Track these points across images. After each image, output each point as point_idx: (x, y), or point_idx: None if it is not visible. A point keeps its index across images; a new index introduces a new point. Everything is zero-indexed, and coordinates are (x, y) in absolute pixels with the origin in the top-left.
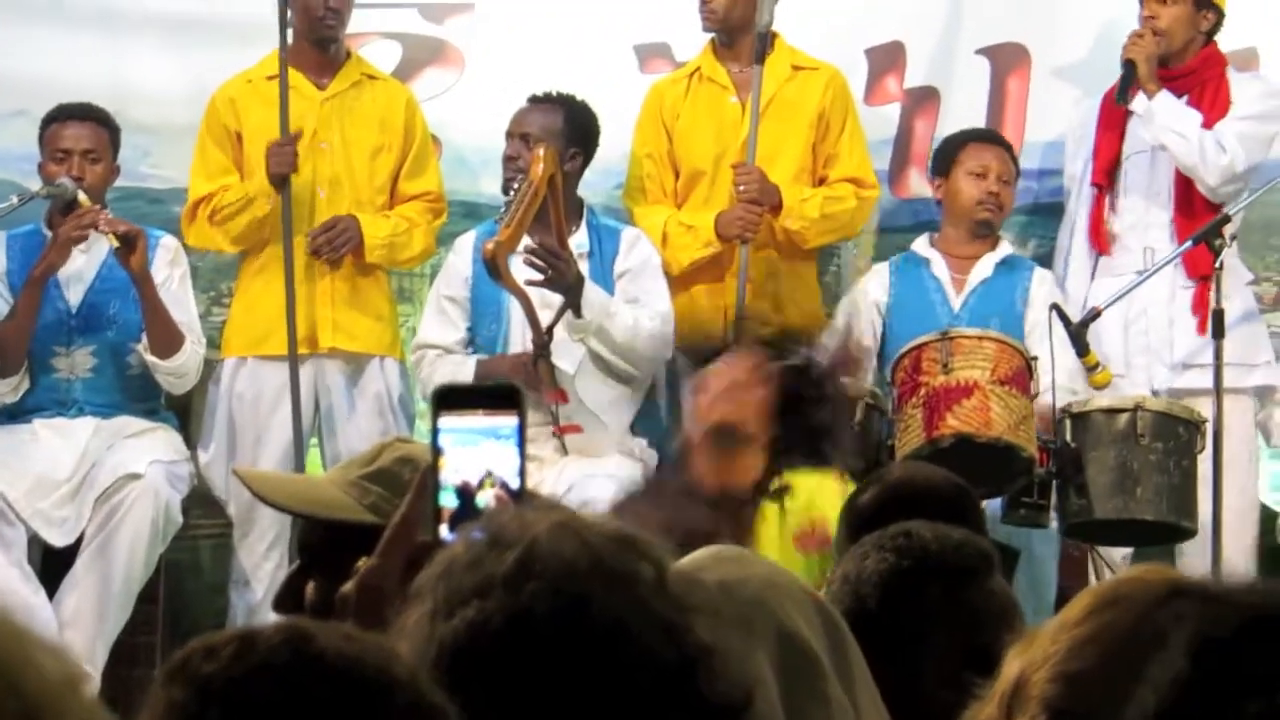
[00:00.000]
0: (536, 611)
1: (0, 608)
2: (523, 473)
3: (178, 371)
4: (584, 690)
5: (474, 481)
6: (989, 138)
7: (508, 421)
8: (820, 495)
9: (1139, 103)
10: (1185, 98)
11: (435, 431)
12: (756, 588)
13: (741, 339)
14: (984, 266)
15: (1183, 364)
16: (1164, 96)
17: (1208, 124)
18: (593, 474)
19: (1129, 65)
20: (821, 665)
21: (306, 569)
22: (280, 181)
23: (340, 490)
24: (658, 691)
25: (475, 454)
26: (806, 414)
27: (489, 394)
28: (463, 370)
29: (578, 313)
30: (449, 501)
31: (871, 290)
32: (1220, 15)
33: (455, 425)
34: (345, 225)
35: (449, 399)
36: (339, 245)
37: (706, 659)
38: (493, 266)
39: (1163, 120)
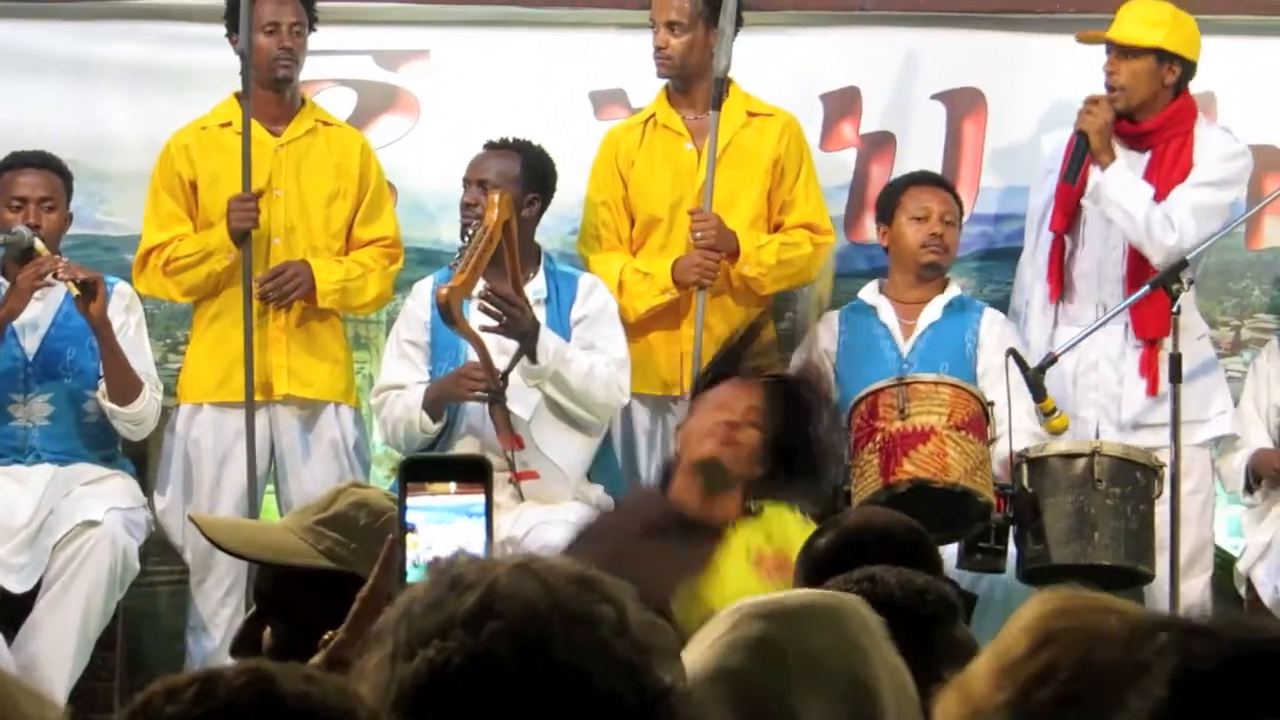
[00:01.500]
0: (497, 652)
1: None
2: (489, 549)
3: (136, 418)
4: None
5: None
6: (929, 180)
7: (477, 499)
8: (778, 524)
9: (1094, 174)
10: (1148, 154)
11: (403, 508)
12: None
13: (744, 371)
14: (932, 310)
15: (1132, 424)
16: (1114, 171)
17: (1168, 185)
18: (549, 520)
19: (1081, 136)
20: None
21: (262, 614)
22: (241, 237)
23: (296, 536)
24: None
25: (449, 532)
26: (802, 451)
27: (458, 466)
28: (413, 396)
29: (533, 358)
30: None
31: (822, 339)
32: (1189, 66)
33: (428, 503)
34: (295, 271)
35: (417, 471)
36: (288, 291)
37: (666, 699)
38: (446, 312)
39: (1110, 195)
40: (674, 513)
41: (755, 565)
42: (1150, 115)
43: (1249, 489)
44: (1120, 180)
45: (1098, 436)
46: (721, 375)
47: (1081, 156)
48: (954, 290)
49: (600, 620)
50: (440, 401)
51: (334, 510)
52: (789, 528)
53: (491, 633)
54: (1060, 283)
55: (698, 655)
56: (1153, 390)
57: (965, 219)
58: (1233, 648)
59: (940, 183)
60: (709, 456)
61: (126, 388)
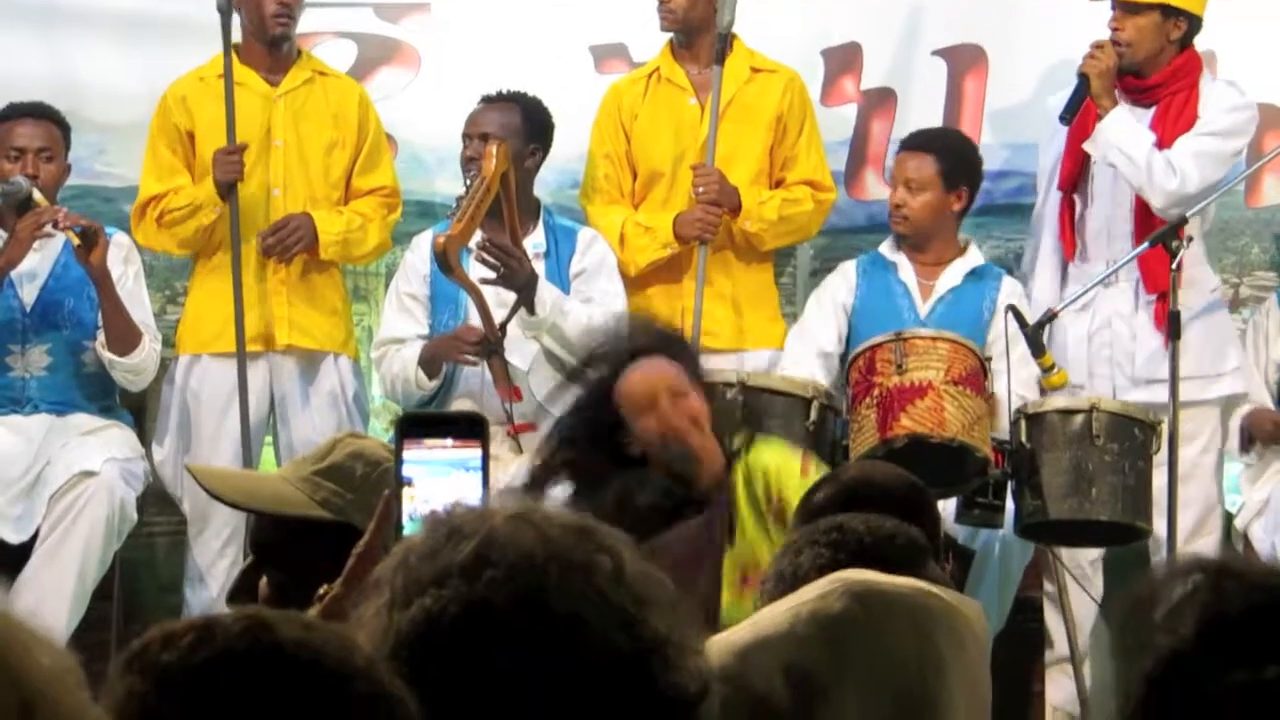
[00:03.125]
0: (493, 601)
1: None
2: (485, 502)
3: (136, 369)
4: (540, 679)
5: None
6: (907, 144)
7: (474, 453)
8: (784, 474)
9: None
10: (1152, 109)
11: (400, 461)
12: None
13: (643, 346)
14: (953, 274)
15: (1145, 379)
16: (1115, 114)
17: (1172, 137)
18: None
19: (1082, 79)
20: None
21: (260, 564)
22: (227, 190)
23: (293, 486)
24: (613, 682)
25: (445, 485)
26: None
27: (455, 423)
28: (411, 353)
29: (531, 310)
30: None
31: (838, 292)
32: (1195, 21)
33: (425, 457)
34: (297, 224)
35: (414, 427)
36: (291, 244)
37: (662, 650)
38: (444, 261)
39: (1110, 139)
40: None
41: (741, 585)
42: (1155, 70)
43: (1244, 448)
44: (1121, 124)
45: (1115, 395)
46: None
47: (1080, 99)
48: (975, 256)
49: (597, 570)
50: (436, 360)
51: (330, 460)
52: (790, 478)
53: (488, 581)
54: (1074, 242)
55: (781, 611)
56: (1166, 344)
57: None
58: (1263, 592)
59: (919, 144)
60: (696, 418)
61: (125, 338)
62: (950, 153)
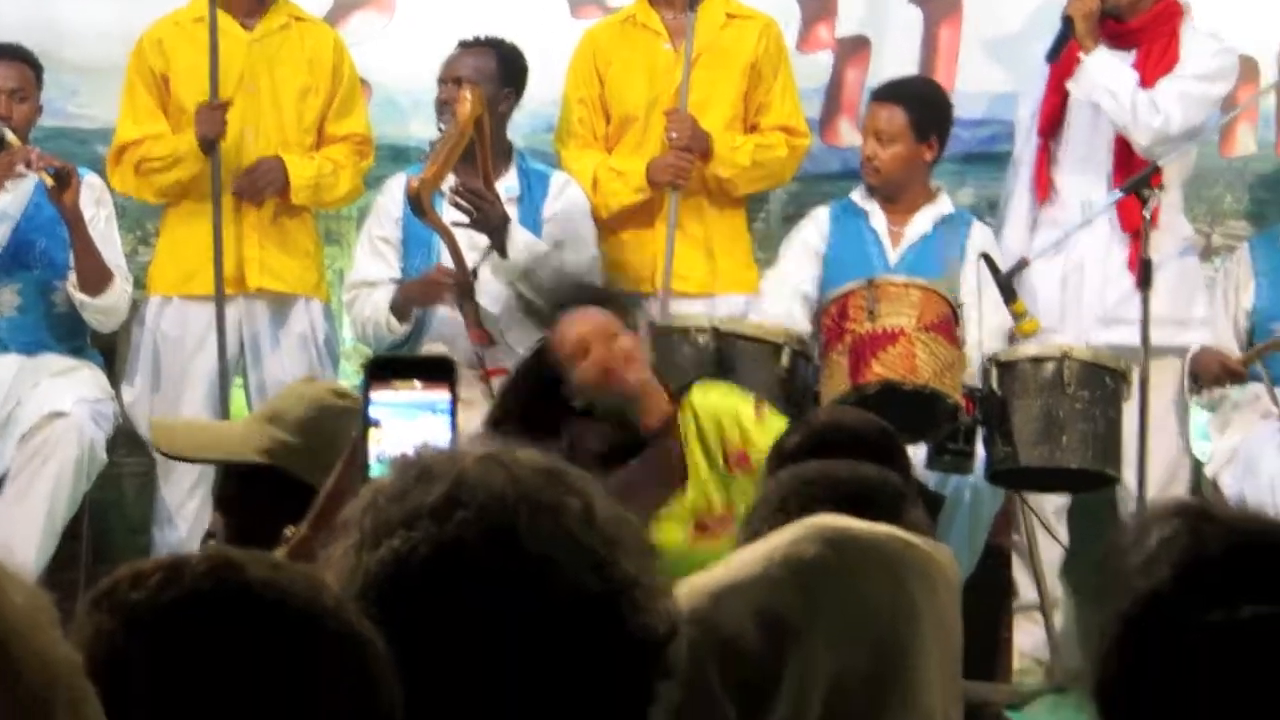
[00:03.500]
0: (464, 542)
1: None
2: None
3: (107, 309)
4: (509, 620)
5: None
6: (879, 95)
7: (442, 396)
8: (741, 420)
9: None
10: (1133, 53)
11: (367, 403)
12: None
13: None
14: (923, 221)
15: (1116, 319)
16: (1099, 54)
17: (1152, 81)
18: None
19: (1066, 21)
20: None
21: (216, 508)
22: (209, 145)
23: (241, 433)
24: (582, 623)
25: (413, 428)
26: None
27: (423, 366)
28: (381, 296)
29: (503, 254)
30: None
31: (811, 237)
32: None
33: (393, 399)
34: (268, 167)
35: (382, 370)
36: (261, 187)
37: (631, 591)
38: (416, 203)
39: (1095, 78)
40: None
41: (696, 532)
42: (1136, 15)
43: (1194, 390)
44: (1105, 63)
45: (1086, 336)
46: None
47: (1065, 40)
48: (945, 204)
49: (566, 511)
50: (407, 304)
51: (274, 406)
52: (744, 420)
53: (459, 522)
54: (1046, 185)
55: (755, 555)
56: (1138, 284)
57: None
58: (1242, 534)
59: (889, 95)
60: (614, 395)
61: (98, 279)
62: (920, 103)
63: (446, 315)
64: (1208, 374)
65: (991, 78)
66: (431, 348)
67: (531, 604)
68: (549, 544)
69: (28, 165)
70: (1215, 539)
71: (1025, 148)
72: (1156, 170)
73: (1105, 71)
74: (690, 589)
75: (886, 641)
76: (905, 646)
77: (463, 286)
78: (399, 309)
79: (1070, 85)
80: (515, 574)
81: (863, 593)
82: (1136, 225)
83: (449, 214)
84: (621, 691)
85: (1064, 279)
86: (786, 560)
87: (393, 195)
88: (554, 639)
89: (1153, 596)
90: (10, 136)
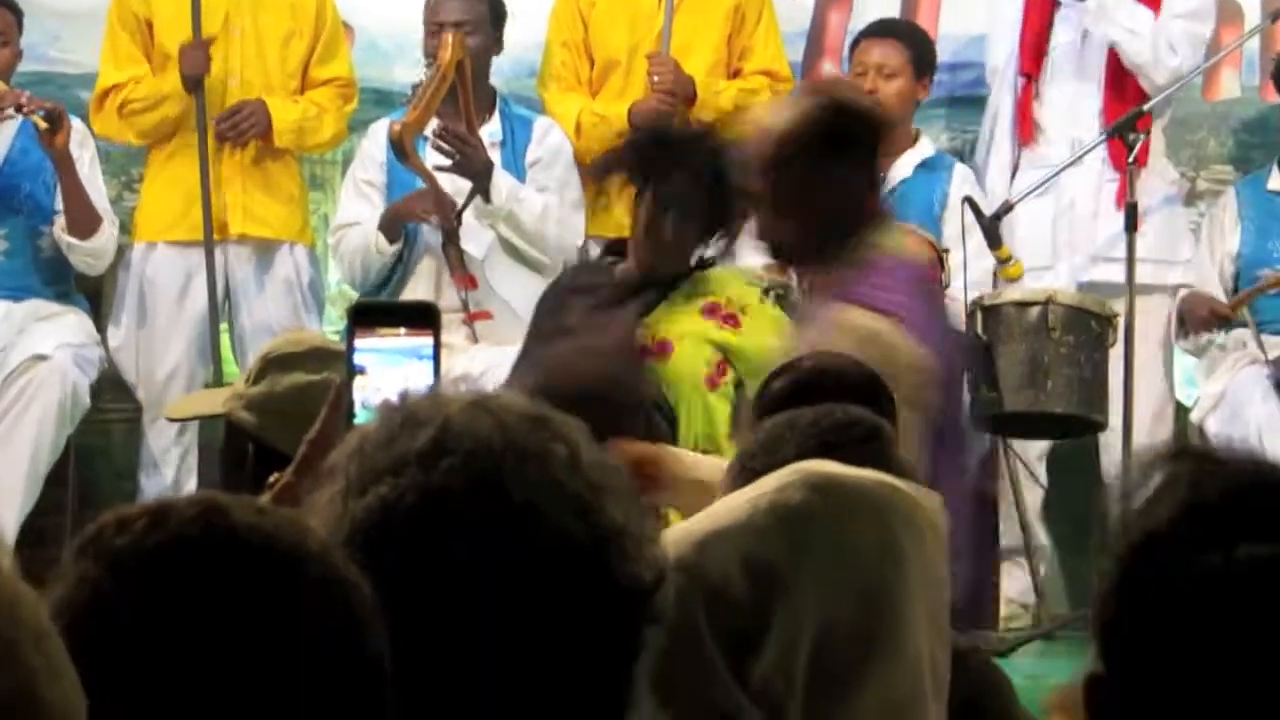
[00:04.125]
0: (450, 489)
1: None
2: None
3: (96, 252)
4: (496, 568)
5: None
6: (872, 31)
7: (426, 341)
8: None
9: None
10: None
11: (351, 350)
12: None
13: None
14: (903, 166)
15: (1103, 256)
16: None
17: None
18: (504, 361)
19: None
20: None
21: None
22: (193, 84)
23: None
24: (569, 570)
25: (397, 374)
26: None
27: (407, 312)
28: (368, 230)
29: (487, 198)
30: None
31: None
32: None
33: (377, 345)
34: (251, 109)
35: (366, 316)
36: (244, 129)
37: (618, 539)
38: (399, 148)
39: (1114, 16)
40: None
41: (705, 313)
42: None
43: (1181, 334)
44: (1122, 2)
45: (1075, 275)
46: None
47: None
48: (926, 147)
49: (553, 458)
50: (397, 220)
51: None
52: (739, 286)
53: (445, 469)
54: (1029, 127)
55: (741, 501)
56: (1126, 225)
57: None
58: (1241, 477)
59: (886, 31)
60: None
61: (86, 222)
62: (917, 41)
63: (429, 261)
64: (1195, 318)
65: (972, 21)
66: (417, 281)
67: (517, 552)
68: (535, 491)
69: (18, 109)
70: (1213, 482)
71: (1002, 94)
72: (1142, 113)
73: (1123, 9)
74: (676, 537)
75: (874, 588)
76: (892, 593)
77: (446, 231)
78: (388, 228)
79: (1088, 23)
80: (501, 522)
81: (850, 539)
82: (1126, 162)
83: (432, 158)
84: (609, 639)
85: (1055, 218)
86: (773, 507)
87: (376, 139)
88: (541, 587)
89: (1150, 538)
90: None
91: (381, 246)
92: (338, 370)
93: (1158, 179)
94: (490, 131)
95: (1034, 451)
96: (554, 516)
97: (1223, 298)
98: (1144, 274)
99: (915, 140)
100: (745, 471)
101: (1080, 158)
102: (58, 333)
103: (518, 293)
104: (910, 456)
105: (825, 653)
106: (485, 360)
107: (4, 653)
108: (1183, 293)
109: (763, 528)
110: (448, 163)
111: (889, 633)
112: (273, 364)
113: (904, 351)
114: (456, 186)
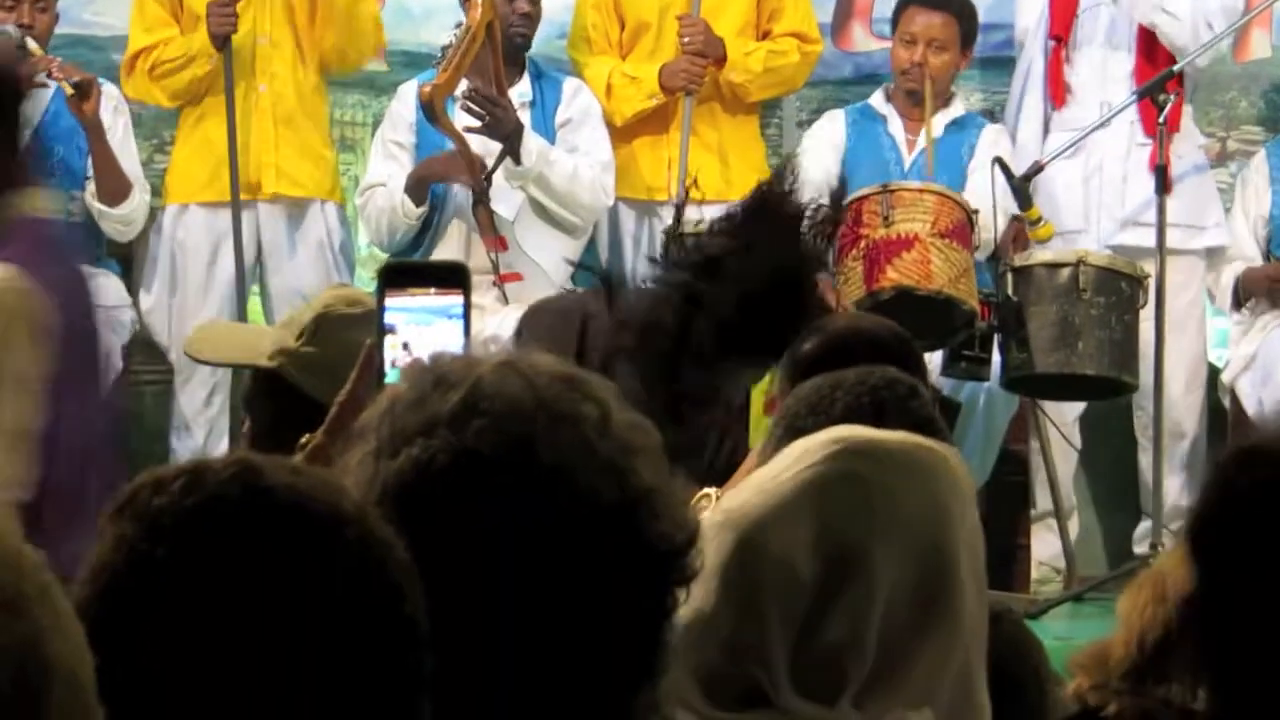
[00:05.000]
0: (481, 450)
1: None
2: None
3: (125, 219)
4: (527, 529)
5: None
6: (931, 2)
7: (456, 301)
8: None
9: None
10: None
11: (382, 309)
12: None
13: None
14: (934, 127)
15: (1132, 221)
16: None
17: None
18: None
19: None
20: None
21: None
22: (221, 42)
23: (265, 337)
24: (601, 531)
25: (428, 334)
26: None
27: (437, 271)
28: (395, 184)
29: (517, 160)
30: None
31: (831, 135)
32: None
33: (408, 304)
34: None
35: (397, 276)
36: None
37: (649, 500)
38: (430, 109)
39: (1154, 1)
40: None
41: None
42: None
43: (1237, 305)
44: None
45: (1105, 238)
46: None
47: None
48: (958, 107)
49: (584, 419)
50: (423, 183)
51: (296, 312)
52: None
53: (476, 430)
54: (1060, 90)
55: (788, 475)
56: (1157, 188)
57: None
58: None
59: (937, 3)
60: None
61: (116, 189)
62: (966, 13)
63: (459, 222)
64: (1259, 289)
65: None
66: (447, 242)
67: (548, 513)
68: (566, 452)
69: (49, 75)
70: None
71: (1033, 57)
72: (1172, 74)
73: None
74: (730, 515)
75: (929, 552)
76: (945, 554)
77: (476, 192)
78: (413, 190)
79: (1125, 5)
80: (532, 483)
81: (905, 505)
82: (1154, 129)
83: (461, 120)
84: (640, 600)
85: (1085, 180)
86: (825, 480)
87: (406, 101)
88: (571, 548)
89: (1250, 450)
90: (32, 45)
91: (408, 210)
92: None
93: (1186, 144)
94: (520, 92)
95: (1069, 415)
96: (585, 477)
97: (1258, 260)
98: (1173, 238)
99: (948, 102)
100: (792, 431)
101: (1109, 119)
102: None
103: (547, 254)
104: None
105: (890, 621)
106: (515, 322)
107: (10, 607)
108: (1238, 264)
109: (821, 503)
110: (478, 124)
111: (945, 595)
112: (328, 324)
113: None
114: (486, 148)
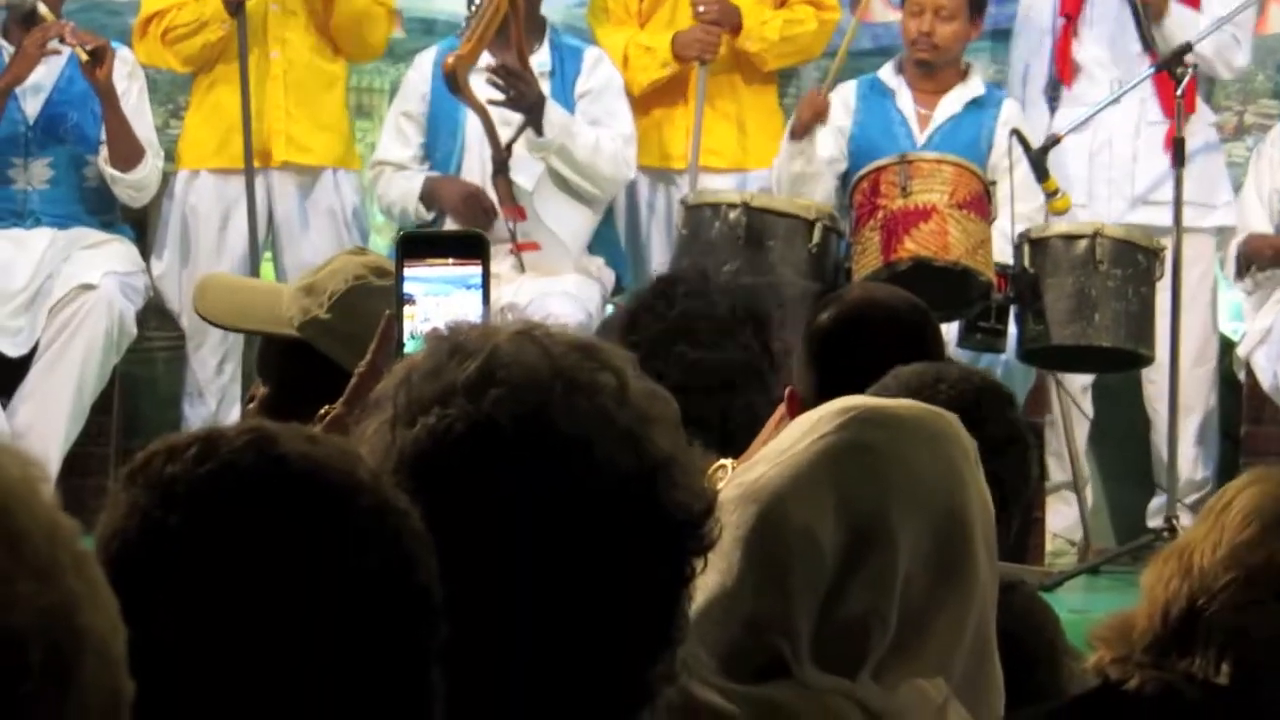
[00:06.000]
0: (498, 419)
1: None
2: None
3: (138, 185)
4: (544, 498)
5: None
6: None
7: (474, 271)
8: None
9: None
10: None
11: (401, 280)
12: None
13: None
14: (951, 103)
15: (1143, 199)
16: (1174, 10)
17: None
18: (550, 291)
19: None
20: None
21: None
22: (234, 8)
23: (280, 300)
24: (618, 500)
25: (446, 304)
26: None
27: (456, 242)
28: (412, 184)
29: (539, 131)
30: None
31: (836, 114)
32: None
33: (426, 274)
34: None
35: (415, 245)
36: None
37: (666, 469)
38: (453, 81)
39: (1173, 35)
40: None
41: None
42: None
43: (1240, 275)
44: (1181, 21)
45: (1114, 216)
46: None
47: None
48: (976, 85)
49: (601, 388)
50: (435, 199)
51: (314, 277)
52: None
53: (493, 400)
54: (1069, 67)
55: (802, 446)
56: (1174, 162)
57: None
58: None
59: None
60: None
61: (129, 154)
62: None
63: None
64: (1261, 258)
65: None
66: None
67: (565, 483)
68: (583, 422)
69: (62, 40)
70: None
71: (1043, 32)
72: (1188, 47)
73: (1183, 28)
74: (748, 488)
75: (944, 517)
76: (960, 519)
77: (497, 162)
78: (427, 200)
79: (1156, 35)
80: (549, 453)
81: (921, 471)
82: (1172, 109)
83: (483, 92)
84: (657, 569)
85: (1091, 156)
86: (841, 450)
87: (421, 70)
88: (588, 517)
89: None
90: (43, 9)
91: (420, 214)
92: None
93: (1198, 122)
94: (540, 61)
95: (1078, 384)
96: (602, 447)
97: (1271, 233)
98: (1187, 216)
99: (966, 76)
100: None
101: (1121, 95)
102: (104, 261)
103: (565, 225)
104: None
105: (909, 590)
106: (531, 291)
107: (44, 575)
108: (1241, 235)
109: (836, 474)
110: (500, 96)
111: (961, 563)
112: (355, 293)
113: None
114: (505, 117)
